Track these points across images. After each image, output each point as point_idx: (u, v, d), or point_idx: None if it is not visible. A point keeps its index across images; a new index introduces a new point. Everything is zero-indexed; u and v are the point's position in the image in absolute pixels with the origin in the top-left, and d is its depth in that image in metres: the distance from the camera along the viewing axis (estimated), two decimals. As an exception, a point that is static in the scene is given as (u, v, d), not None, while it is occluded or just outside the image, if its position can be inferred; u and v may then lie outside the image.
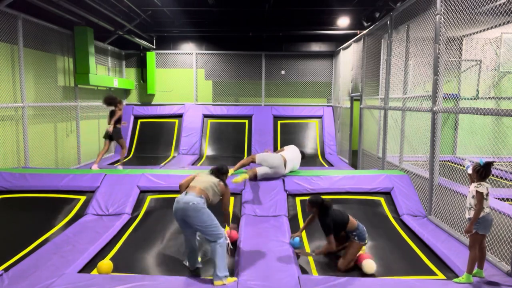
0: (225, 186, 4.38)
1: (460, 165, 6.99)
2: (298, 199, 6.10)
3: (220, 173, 4.43)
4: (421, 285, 3.71)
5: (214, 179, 4.30)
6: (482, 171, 3.65)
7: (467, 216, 3.79)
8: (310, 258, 4.46)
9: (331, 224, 4.29)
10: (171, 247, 4.76)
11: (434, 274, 4.13)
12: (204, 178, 4.26)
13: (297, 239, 4.58)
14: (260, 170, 6.30)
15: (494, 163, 3.68)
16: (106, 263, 4.06)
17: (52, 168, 7.77)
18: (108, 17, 9.45)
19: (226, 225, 4.62)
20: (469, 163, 3.92)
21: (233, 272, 4.05)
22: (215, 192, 4.22)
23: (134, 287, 3.55)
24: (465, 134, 8.33)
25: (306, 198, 5.99)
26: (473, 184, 3.71)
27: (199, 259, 4.29)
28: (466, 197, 3.88)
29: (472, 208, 3.70)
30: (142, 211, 5.81)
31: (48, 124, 8.54)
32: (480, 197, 3.61)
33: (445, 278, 4.01)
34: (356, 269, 4.23)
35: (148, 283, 3.63)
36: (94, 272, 4.07)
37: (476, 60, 8.66)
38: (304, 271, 4.13)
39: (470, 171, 3.81)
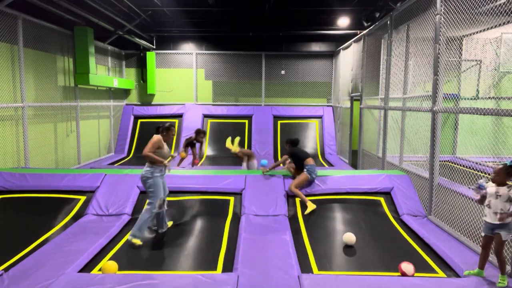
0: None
1: (460, 165, 6.99)
2: (298, 199, 6.10)
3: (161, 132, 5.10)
4: (421, 282, 3.71)
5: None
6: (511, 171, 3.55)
7: (491, 220, 3.63)
8: (311, 257, 4.46)
9: (288, 153, 6.42)
10: (171, 247, 4.76)
11: (434, 272, 4.13)
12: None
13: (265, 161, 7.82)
14: None
15: None
16: (111, 263, 4.06)
17: (52, 168, 7.77)
18: (108, 17, 9.45)
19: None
20: (483, 182, 3.74)
21: (232, 268, 4.04)
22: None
23: (134, 286, 3.55)
24: (465, 134, 8.32)
25: (306, 197, 6.02)
26: (504, 187, 3.59)
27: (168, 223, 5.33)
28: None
29: (500, 213, 3.56)
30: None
31: (48, 124, 8.54)
32: None
33: (445, 276, 4.02)
34: (356, 267, 4.24)
35: (148, 282, 3.63)
36: (95, 271, 4.07)
37: (476, 60, 8.66)
38: (304, 269, 4.13)
39: (486, 190, 3.67)
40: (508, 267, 3.89)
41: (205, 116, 12.37)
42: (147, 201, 4.95)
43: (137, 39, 11.34)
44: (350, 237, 4.76)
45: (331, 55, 12.93)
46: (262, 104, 12.98)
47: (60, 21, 8.66)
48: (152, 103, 12.92)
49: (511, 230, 3.61)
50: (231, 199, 6.11)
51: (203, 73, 12.97)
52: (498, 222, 3.60)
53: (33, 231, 5.05)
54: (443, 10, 5.25)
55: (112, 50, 11.83)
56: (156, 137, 5.00)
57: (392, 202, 6.03)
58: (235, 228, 5.30)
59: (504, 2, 4.56)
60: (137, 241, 4.68)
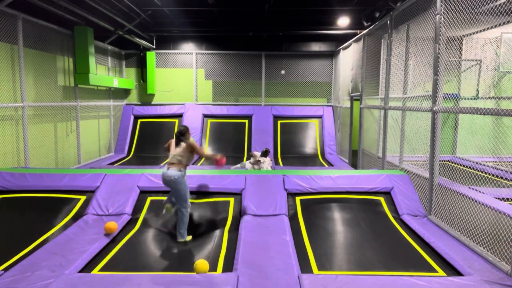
0: (189, 144, 5.20)
1: (460, 165, 6.99)
2: (298, 198, 6.10)
3: (182, 135, 5.25)
4: (421, 282, 3.71)
5: (180, 149, 5.21)
6: None
7: None
8: (311, 257, 4.46)
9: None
10: (171, 246, 4.77)
11: (434, 271, 4.14)
12: (175, 151, 5.22)
13: None
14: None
15: None
16: (202, 263, 4.05)
17: (52, 168, 7.77)
18: (108, 17, 9.44)
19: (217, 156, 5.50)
20: None
21: (232, 269, 4.04)
22: (188, 155, 5.22)
23: (134, 286, 3.56)
24: (465, 134, 8.33)
25: (306, 197, 6.03)
26: None
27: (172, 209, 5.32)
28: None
29: None
30: (143, 211, 5.81)
31: (48, 124, 8.54)
32: None
33: (446, 275, 4.02)
34: (356, 267, 4.24)
35: (148, 282, 3.63)
36: (95, 271, 4.07)
37: (476, 60, 8.66)
38: (304, 269, 4.13)
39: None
40: (508, 267, 3.89)
41: (205, 116, 12.37)
42: (178, 205, 5.16)
43: (137, 39, 11.34)
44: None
45: (331, 55, 12.93)
46: (262, 104, 12.98)
47: (60, 21, 8.66)
48: (152, 103, 12.92)
49: None
50: (231, 199, 6.11)
51: (203, 73, 12.97)
52: None
53: (33, 231, 5.05)
54: (443, 10, 5.25)
55: (112, 50, 11.83)
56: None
57: (392, 202, 6.03)
58: (235, 228, 5.30)
59: (504, 2, 4.56)
60: (188, 238, 5.09)
